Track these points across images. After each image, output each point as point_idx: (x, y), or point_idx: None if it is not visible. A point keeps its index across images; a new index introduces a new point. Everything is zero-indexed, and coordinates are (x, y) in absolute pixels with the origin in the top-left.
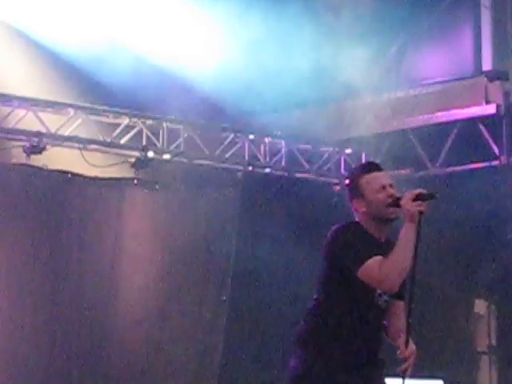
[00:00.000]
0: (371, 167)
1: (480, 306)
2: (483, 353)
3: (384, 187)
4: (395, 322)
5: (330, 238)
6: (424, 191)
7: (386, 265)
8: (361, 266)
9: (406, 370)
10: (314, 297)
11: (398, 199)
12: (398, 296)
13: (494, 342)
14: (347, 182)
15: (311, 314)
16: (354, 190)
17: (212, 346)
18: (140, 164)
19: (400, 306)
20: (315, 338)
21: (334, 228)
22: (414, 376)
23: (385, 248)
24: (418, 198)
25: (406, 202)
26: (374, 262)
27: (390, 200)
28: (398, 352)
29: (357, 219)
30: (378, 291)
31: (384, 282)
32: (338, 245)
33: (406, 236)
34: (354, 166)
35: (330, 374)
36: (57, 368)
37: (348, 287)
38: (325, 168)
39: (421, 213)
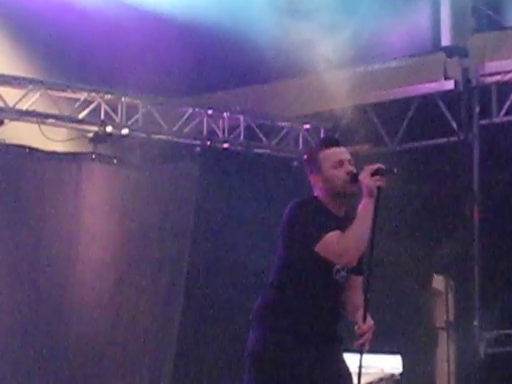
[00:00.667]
0: (330, 142)
1: (438, 282)
2: (441, 328)
3: (342, 163)
4: (353, 297)
5: (287, 214)
6: (382, 166)
7: (344, 239)
8: (319, 240)
9: (363, 344)
10: (272, 272)
11: (357, 174)
12: (357, 271)
13: (451, 317)
14: (305, 157)
15: (269, 289)
16: (312, 165)
17: (169, 321)
18: (98, 139)
19: (358, 281)
20: (272, 313)
21: (291, 204)
22: (372, 351)
23: (344, 223)
24: (376, 172)
25: (365, 176)
26: (332, 236)
27: (348, 176)
28: (356, 327)
29: (315, 194)
30: (336, 267)
31: (342, 256)
32: (296, 220)
33: (365, 210)
34: (313, 142)
35: (286, 350)
36: (15, 343)
37: (306, 262)
38: (283, 143)
39: (379, 188)
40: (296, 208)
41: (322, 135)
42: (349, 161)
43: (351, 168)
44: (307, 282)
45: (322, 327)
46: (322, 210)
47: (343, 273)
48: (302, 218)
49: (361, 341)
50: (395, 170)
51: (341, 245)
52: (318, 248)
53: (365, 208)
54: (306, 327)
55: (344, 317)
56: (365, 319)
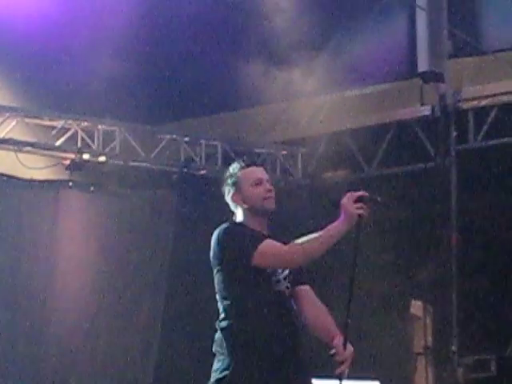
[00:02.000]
0: (247, 163)
1: (416, 307)
2: (419, 354)
3: (261, 181)
4: (311, 309)
5: (214, 243)
6: (366, 194)
7: (296, 245)
8: (254, 253)
9: (343, 372)
10: (218, 304)
11: (339, 200)
12: (299, 282)
13: (430, 343)
14: (224, 178)
15: (221, 320)
16: (232, 185)
17: (148, 348)
18: (75, 166)
19: (306, 291)
20: (231, 341)
21: (214, 233)
22: (351, 377)
23: (268, 238)
24: (359, 200)
25: (347, 202)
26: (267, 243)
27: (267, 194)
28: (332, 351)
29: (236, 217)
30: (273, 278)
31: (284, 255)
32: (225, 245)
33: (334, 233)
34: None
35: (251, 373)
36: None
37: (243, 283)
38: None
39: (360, 216)
40: (222, 234)
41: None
42: (267, 180)
43: (270, 186)
44: (250, 301)
45: (281, 342)
46: (245, 229)
47: (286, 284)
48: (231, 240)
49: (341, 368)
50: (379, 199)
51: (293, 249)
52: (255, 259)
53: (335, 230)
54: (263, 346)
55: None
56: (345, 346)
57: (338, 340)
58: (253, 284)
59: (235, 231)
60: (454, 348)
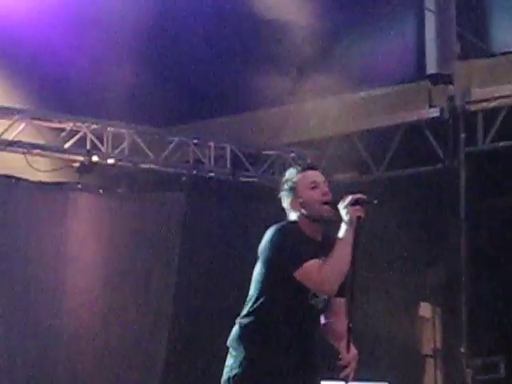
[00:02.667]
0: (304, 166)
1: (425, 309)
2: (428, 356)
3: (317, 184)
4: (336, 323)
5: (266, 239)
6: (363, 196)
7: (324, 268)
8: (299, 267)
9: (348, 375)
10: (248, 298)
11: (336, 202)
12: (338, 293)
13: (438, 345)
14: (281, 183)
15: (245, 315)
16: (288, 190)
17: (155, 353)
18: (84, 168)
19: (340, 303)
20: (249, 339)
21: (270, 229)
22: (358, 379)
23: (321, 247)
24: (356, 202)
25: (345, 205)
26: (312, 265)
27: (324, 198)
28: (340, 357)
29: (292, 219)
30: (312, 291)
31: (323, 285)
32: (274, 246)
33: (344, 239)
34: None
35: (263, 376)
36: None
37: (281, 288)
38: (270, 172)
39: (359, 217)
40: (274, 233)
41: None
42: (324, 182)
43: (326, 189)
44: (282, 307)
45: (299, 353)
46: (299, 234)
47: (322, 297)
48: (281, 244)
49: (345, 372)
50: (375, 201)
51: (321, 274)
52: (297, 275)
53: (344, 237)
54: (282, 352)
55: (327, 344)
56: (348, 349)
57: (342, 343)
58: (289, 293)
59: (290, 236)
60: (462, 350)
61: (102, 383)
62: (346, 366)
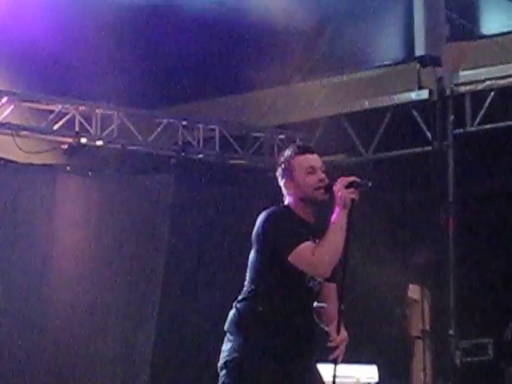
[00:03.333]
0: (302, 149)
1: (414, 291)
2: (417, 338)
3: (314, 169)
4: (329, 306)
5: (259, 224)
6: (357, 179)
7: (318, 251)
8: (292, 251)
9: (337, 357)
10: (246, 283)
11: (331, 185)
12: (329, 278)
13: (427, 327)
14: (278, 162)
15: (243, 299)
16: (285, 171)
17: (144, 335)
18: (73, 150)
19: (331, 288)
20: (247, 324)
21: (263, 213)
22: (347, 361)
23: (315, 230)
24: (350, 185)
25: (339, 188)
26: (306, 247)
27: (320, 183)
28: (330, 339)
29: (286, 201)
30: (310, 275)
31: (317, 267)
32: (268, 230)
33: (338, 222)
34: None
35: (262, 360)
36: None
37: (278, 271)
38: (258, 154)
39: (353, 200)
40: (268, 217)
41: (299, 143)
42: (321, 168)
43: (323, 175)
44: (280, 290)
45: (298, 335)
46: (292, 218)
47: (318, 280)
48: (274, 228)
49: (335, 353)
50: (369, 184)
51: (315, 256)
52: (291, 258)
53: (338, 219)
54: (281, 336)
55: (318, 327)
56: (339, 331)
57: (333, 326)
58: (287, 276)
59: (282, 219)
60: (451, 332)
61: (86, 366)
62: (335, 348)
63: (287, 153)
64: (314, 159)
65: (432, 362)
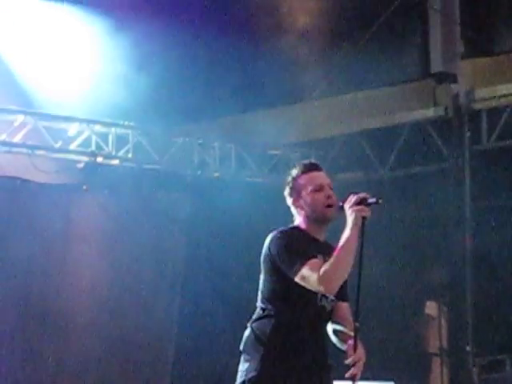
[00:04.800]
0: (309, 167)
1: (431, 308)
2: (434, 354)
3: (322, 187)
4: (343, 324)
5: (266, 245)
6: (368, 196)
7: (325, 268)
8: (298, 270)
9: (355, 375)
10: (258, 303)
11: (342, 203)
12: (341, 297)
13: (444, 343)
14: (286, 182)
15: (256, 320)
16: (292, 190)
17: (163, 352)
18: (89, 169)
19: (344, 307)
20: (262, 344)
21: (271, 233)
22: (365, 378)
23: (325, 248)
24: (361, 202)
25: (350, 206)
26: (312, 264)
27: (328, 201)
28: (347, 357)
29: (295, 221)
30: (320, 293)
31: (322, 284)
32: (275, 250)
33: (348, 239)
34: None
35: (280, 378)
36: None
37: (288, 292)
38: (274, 172)
39: (364, 217)
40: (274, 238)
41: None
42: (328, 185)
43: (331, 192)
44: (291, 310)
45: (312, 354)
46: (301, 237)
47: (330, 298)
48: (281, 248)
49: (352, 371)
50: (380, 201)
51: (321, 274)
52: (297, 277)
53: (348, 237)
54: (296, 354)
55: (333, 344)
56: (355, 348)
57: (350, 343)
58: (297, 296)
59: (290, 239)
60: (468, 348)
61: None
62: (353, 365)
63: (294, 172)
64: (320, 176)
65: (449, 378)
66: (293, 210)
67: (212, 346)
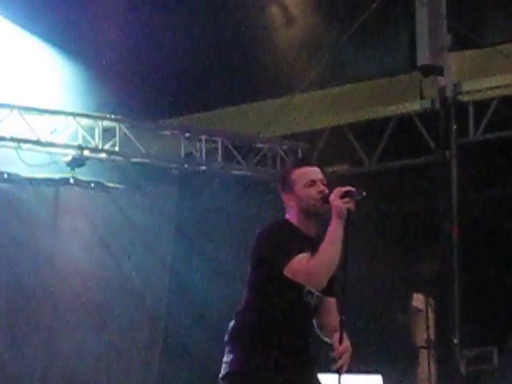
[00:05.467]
0: (302, 162)
1: (418, 300)
2: (422, 347)
3: (314, 182)
4: (329, 320)
5: (256, 239)
6: (352, 188)
7: (312, 261)
8: (286, 264)
9: (341, 367)
10: (244, 295)
11: (328, 195)
12: (328, 292)
13: (431, 336)
14: (279, 176)
15: (241, 312)
16: (285, 184)
17: (151, 346)
18: (76, 163)
19: (331, 302)
20: (246, 337)
21: (260, 228)
22: (352, 371)
23: (316, 243)
24: (346, 194)
25: (335, 198)
26: (300, 259)
27: (319, 196)
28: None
29: (287, 215)
30: (306, 289)
31: (310, 278)
32: (264, 244)
33: (334, 232)
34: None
35: (261, 372)
36: None
37: (275, 285)
38: (261, 165)
39: (349, 210)
40: (264, 232)
41: (299, 156)
42: (321, 180)
43: (323, 187)
44: (277, 304)
45: (296, 349)
46: (290, 231)
47: (316, 293)
48: (270, 242)
49: (338, 364)
50: (364, 193)
51: (309, 267)
52: (286, 271)
53: (334, 230)
54: (280, 349)
55: (320, 338)
56: (341, 341)
57: (336, 336)
58: (282, 290)
59: (278, 233)
60: (455, 341)
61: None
62: (339, 358)
63: (287, 166)
64: (313, 172)
65: (437, 371)
66: (285, 203)
67: (202, 337)
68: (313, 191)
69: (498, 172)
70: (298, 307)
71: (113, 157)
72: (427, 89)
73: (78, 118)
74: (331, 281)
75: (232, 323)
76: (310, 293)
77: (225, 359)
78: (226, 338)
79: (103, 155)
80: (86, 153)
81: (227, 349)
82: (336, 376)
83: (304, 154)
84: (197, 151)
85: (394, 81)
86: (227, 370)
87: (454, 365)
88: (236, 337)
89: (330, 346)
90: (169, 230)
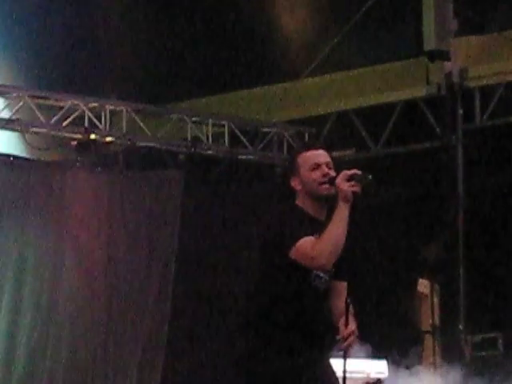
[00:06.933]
0: (308, 145)
1: (423, 286)
2: (427, 332)
3: (319, 165)
4: (338, 304)
5: (263, 223)
6: (358, 172)
7: (318, 243)
8: (293, 246)
9: (346, 348)
10: (254, 279)
11: (333, 179)
12: (339, 276)
13: (437, 321)
14: (287, 159)
15: (251, 298)
16: (292, 168)
17: (156, 331)
18: (82, 146)
19: (342, 286)
20: (257, 323)
21: (267, 213)
22: (357, 356)
23: (322, 226)
24: (351, 178)
25: (340, 181)
26: (306, 241)
27: (324, 179)
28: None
29: (296, 199)
30: (315, 272)
31: (316, 259)
32: (272, 228)
33: (339, 215)
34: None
35: (272, 357)
36: None
37: (283, 269)
38: (267, 149)
39: (354, 193)
40: (272, 216)
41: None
42: (326, 163)
43: (327, 170)
44: (285, 288)
45: (307, 333)
46: (299, 215)
47: (324, 278)
48: (278, 226)
49: (343, 344)
50: (370, 176)
51: (315, 248)
52: (292, 253)
53: (339, 212)
54: (290, 333)
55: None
56: (347, 323)
57: (342, 319)
58: (290, 275)
59: (285, 217)
60: (461, 326)
61: (103, 361)
62: (344, 340)
63: (293, 151)
64: (318, 155)
65: (442, 356)
66: (292, 186)
67: (210, 323)
68: (317, 174)
69: (504, 157)
70: (306, 291)
71: (119, 140)
72: (433, 74)
73: (84, 102)
74: (340, 264)
75: (242, 310)
76: (319, 277)
77: (236, 345)
78: (237, 324)
79: (110, 139)
80: (93, 136)
81: (238, 336)
82: (341, 360)
83: (311, 139)
84: (203, 135)
85: (401, 66)
86: (237, 357)
87: (459, 350)
88: (246, 324)
89: (336, 329)
90: (175, 213)
